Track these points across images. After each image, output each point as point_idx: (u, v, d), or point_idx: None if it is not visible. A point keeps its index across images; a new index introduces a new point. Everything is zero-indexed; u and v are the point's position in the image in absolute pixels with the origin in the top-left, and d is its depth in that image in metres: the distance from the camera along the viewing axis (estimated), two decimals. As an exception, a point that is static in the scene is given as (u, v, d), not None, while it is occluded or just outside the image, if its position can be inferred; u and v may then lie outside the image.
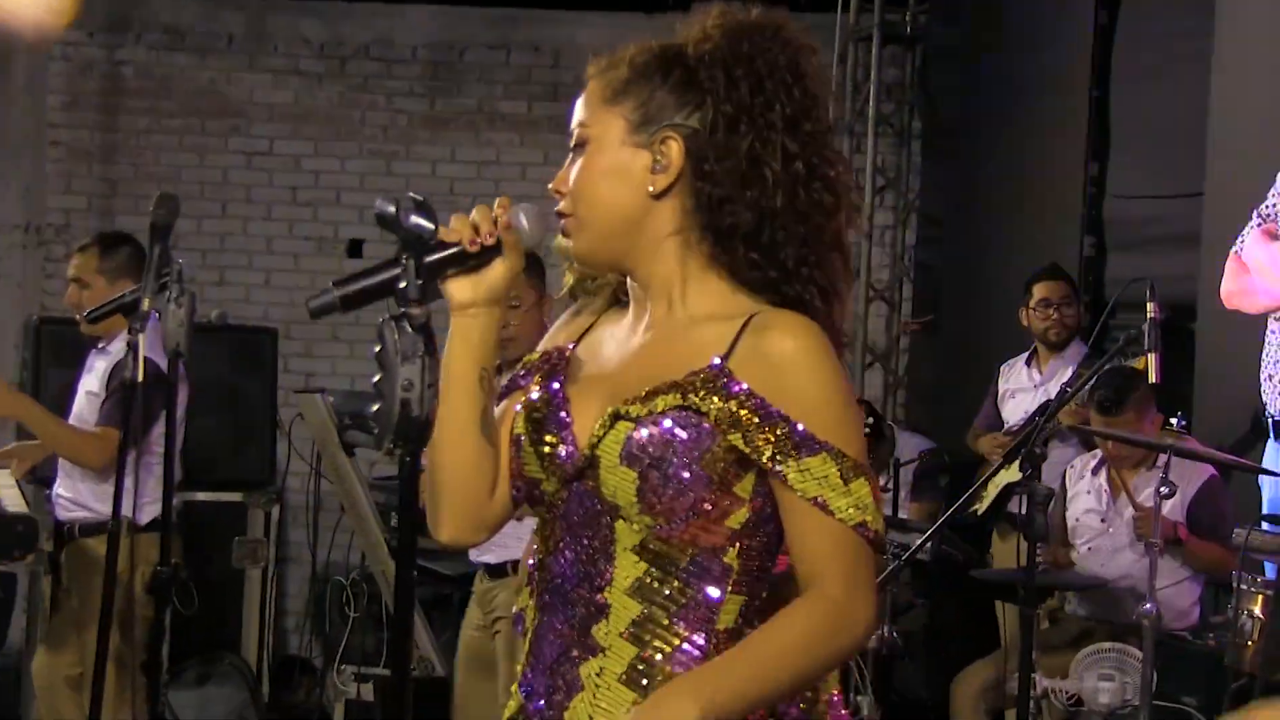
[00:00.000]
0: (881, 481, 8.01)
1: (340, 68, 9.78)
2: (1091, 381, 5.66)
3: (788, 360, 2.27)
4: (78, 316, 6.15)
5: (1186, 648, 5.58)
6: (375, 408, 2.14)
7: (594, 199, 2.39)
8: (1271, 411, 5.58)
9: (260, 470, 7.75)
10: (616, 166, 2.38)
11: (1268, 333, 5.60)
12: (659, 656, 2.31)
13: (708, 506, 2.28)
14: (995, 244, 8.88)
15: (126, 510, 4.67)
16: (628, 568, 2.32)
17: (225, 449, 7.73)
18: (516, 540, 5.11)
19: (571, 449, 2.37)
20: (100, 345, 6.25)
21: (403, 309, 2.14)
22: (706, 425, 2.27)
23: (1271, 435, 5.61)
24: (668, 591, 2.31)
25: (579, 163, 2.41)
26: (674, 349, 2.37)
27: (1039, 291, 7.11)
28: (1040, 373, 7.17)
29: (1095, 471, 6.33)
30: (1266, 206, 5.66)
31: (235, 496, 7.77)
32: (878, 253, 9.84)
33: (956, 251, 9.62)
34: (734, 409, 2.26)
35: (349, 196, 9.62)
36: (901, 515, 7.69)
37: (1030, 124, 8.43)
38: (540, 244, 2.38)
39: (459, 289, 2.34)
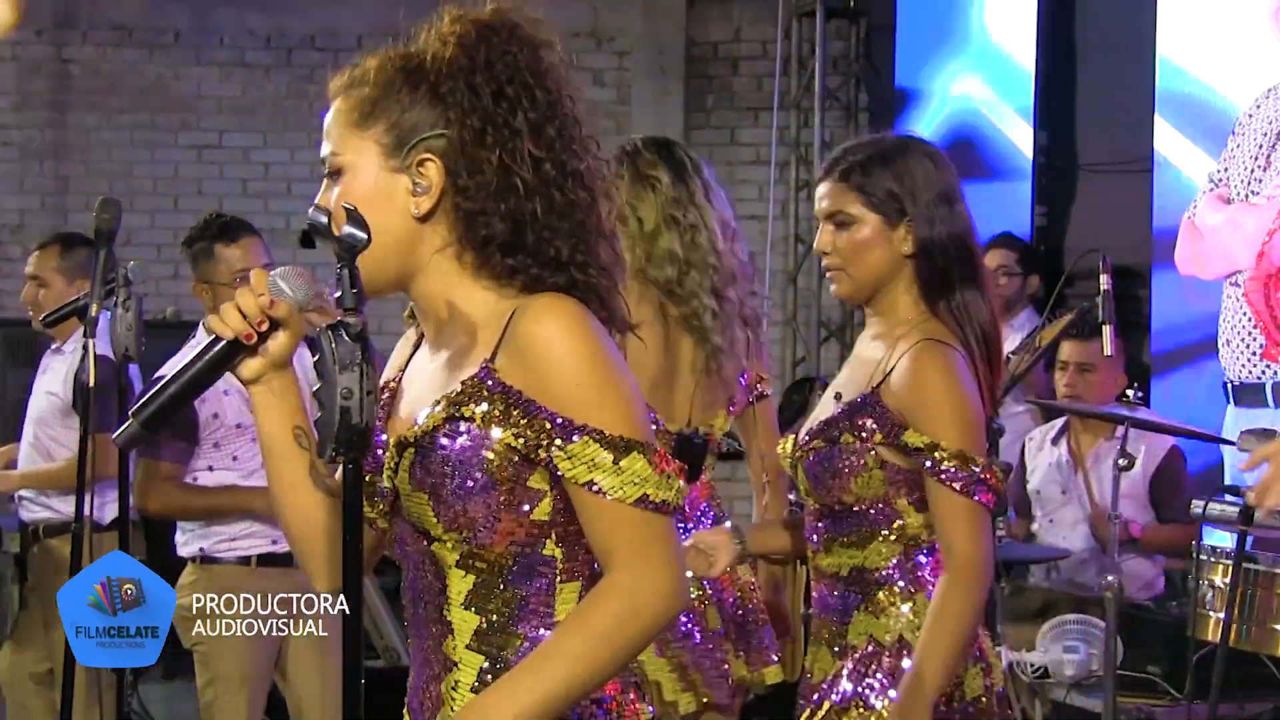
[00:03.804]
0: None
1: (286, 58, 9.75)
2: (1039, 358, 5.68)
3: (538, 345, 2.24)
4: (31, 313, 6.12)
5: (1150, 617, 5.60)
6: (316, 416, 2.17)
7: None
8: (1230, 377, 5.60)
9: (221, 464, 7.68)
10: (377, 194, 2.34)
11: (1223, 298, 5.62)
12: (506, 661, 2.32)
13: (505, 507, 2.27)
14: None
15: (89, 510, 4.64)
16: (457, 582, 2.33)
17: (185, 445, 7.67)
18: None
19: (385, 483, 2.38)
20: (55, 346, 6.23)
21: (339, 318, 2.15)
22: (475, 430, 2.26)
23: (1231, 401, 5.62)
24: (500, 596, 2.31)
25: (336, 191, 2.36)
26: (452, 363, 2.36)
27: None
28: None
29: (1055, 441, 6.32)
30: (1217, 171, 5.68)
31: (198, 490, 7.71)
32: (830, 227, 9.80)
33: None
34: (499, 409, 2.26)
35: (300, 187, 9.60)
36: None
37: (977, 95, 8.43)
38: (311, 298, 2.31)
39: (247, 369, 2.34)
